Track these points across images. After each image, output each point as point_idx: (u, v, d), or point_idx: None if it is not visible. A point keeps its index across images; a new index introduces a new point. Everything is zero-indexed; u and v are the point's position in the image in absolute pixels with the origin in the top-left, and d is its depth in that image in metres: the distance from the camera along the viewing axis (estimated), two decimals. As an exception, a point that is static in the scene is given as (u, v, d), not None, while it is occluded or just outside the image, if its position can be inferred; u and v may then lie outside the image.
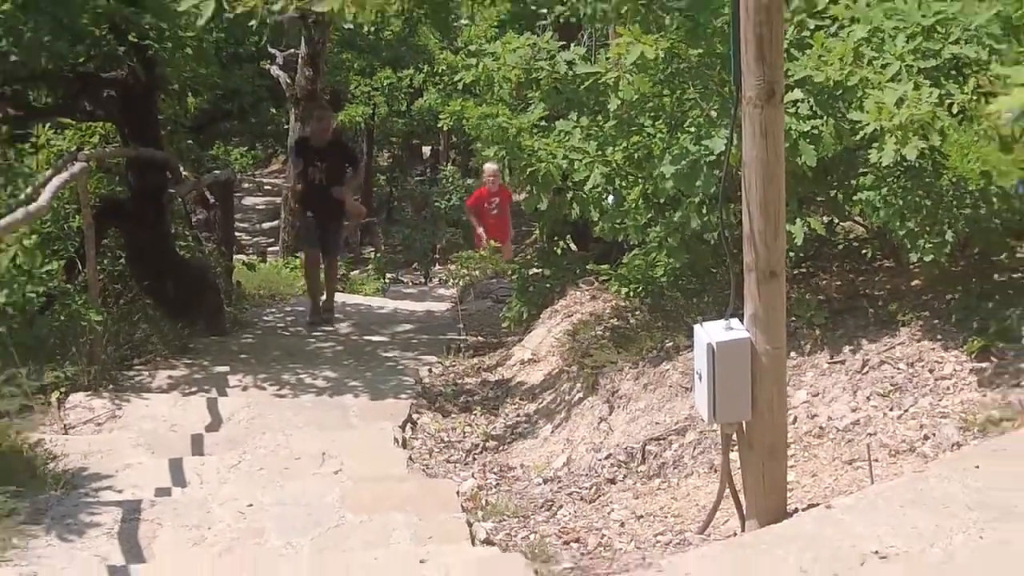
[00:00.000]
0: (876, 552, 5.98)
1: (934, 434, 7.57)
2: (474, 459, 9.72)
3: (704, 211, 8.98)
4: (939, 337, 8.34)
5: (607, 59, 9.43)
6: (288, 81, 20.74)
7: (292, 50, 20.49)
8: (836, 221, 9.24)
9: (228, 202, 18.84)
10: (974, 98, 7.24)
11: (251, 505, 8.38)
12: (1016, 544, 5.83)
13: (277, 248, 22.36)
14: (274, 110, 21.38)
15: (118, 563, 7.54)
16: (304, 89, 20.09)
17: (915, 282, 8.92)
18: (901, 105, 7.56)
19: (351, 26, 9.68)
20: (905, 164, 7.62)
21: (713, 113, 8.71)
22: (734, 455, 7.06)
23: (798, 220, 8.22)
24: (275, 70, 20.44)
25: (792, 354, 7.60)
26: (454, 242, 21.57)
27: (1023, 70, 4.51)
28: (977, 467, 6.79)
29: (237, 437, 10.11)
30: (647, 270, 9.94)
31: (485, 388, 11.92)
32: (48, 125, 12.68)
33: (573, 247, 13.51)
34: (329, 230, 14.68)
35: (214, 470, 9.20)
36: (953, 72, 7.91)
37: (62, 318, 11.53)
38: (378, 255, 23.63)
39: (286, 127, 20.96)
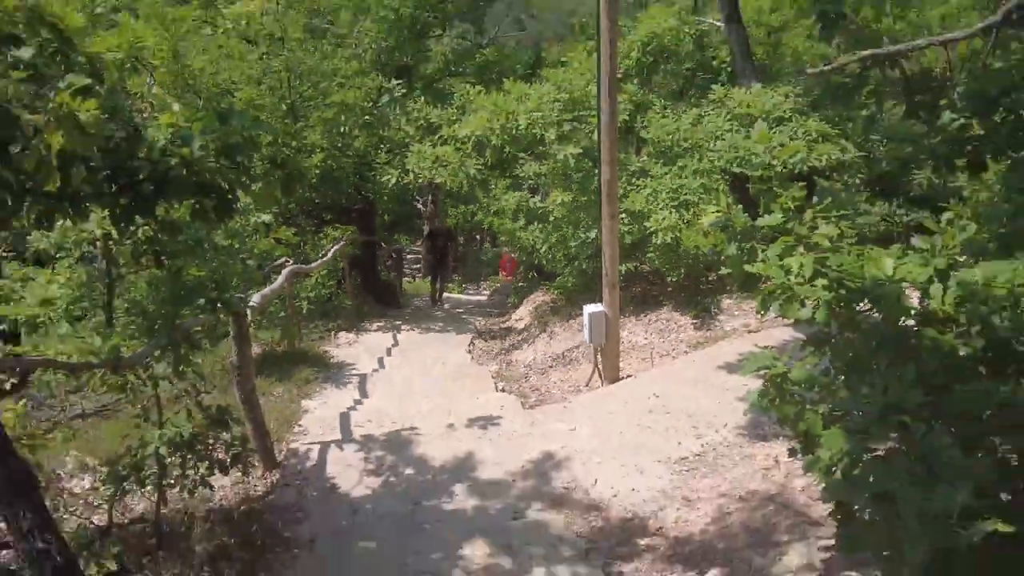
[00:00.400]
0: (655, 394, 6.72)
1: (676, 348, 7.98)
2: (496, 358, 9.97)
3: (588, 261, 9.02)
4: (679, 311, 8.86)
5: (551, 200, 9.25)
6: (423, 208, 20.68)
7: (428, 196, 20.40)
8: (637, 264, 9.36)
9: (400, 256, 19.11)
10: (693, 216, 7.39)
11: (410, 377, 8.81)
12: (700, 388, 6.42)
13: (419, 274, 22.24)
14: (417, 220, 21.37)
15: (358, 398, 7.95)
16: (430, 212, 20.05)
17: (670, 289, 9.32)
18: (663, 220, 8.06)
19: (450, 188, 9.46)
20: (665, 244, 7.62)
21: (591, 222, 9.04)
22: (600, 357, 7.50)
23: (623, 264, 8.54)
24: (419, 205, 20.38)
25: (621, 318, 7.99)
26: (490, 274, 21.51)
27: (711, 207, 4.38)
28: (694, 361, 7.46)
29: (404, 349, 10.49)
30: (565, 284, 10.39)
31: (501, 330, 12.08)
32: (330, 227, 12.56)
33: (536, 275, 13.38)
34: (442, 267, 14.53)
35: (394, 363, 9.62)
36: (685, 206, 8.27)
37: (335, 304, 11.50)
38: (459, 278, 23.50)
39: (422, 227, 20.95)
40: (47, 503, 3.50)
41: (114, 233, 4.47)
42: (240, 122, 3.14)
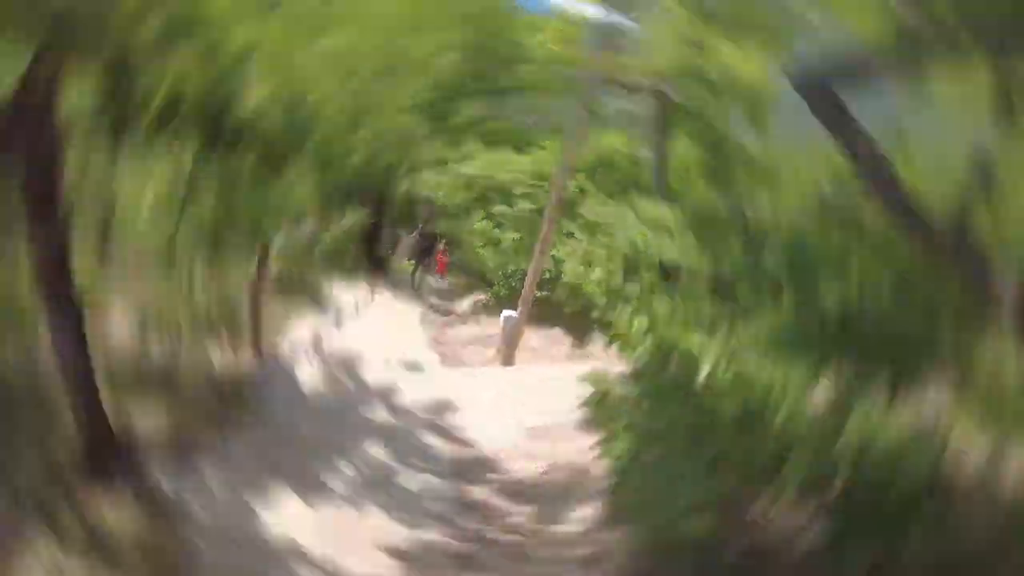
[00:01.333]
0: (530, 380, 6.47)
1: (556, 356, 7.87)
2: (437, 328, 9.37)
3: (517, 281, 8.79)
4: (566, 332, 8.43)
5: (507, 236, 9.06)
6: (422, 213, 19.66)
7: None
8: (549, 293, 8.69)
9: (397, 244, 16.79)
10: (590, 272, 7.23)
11: (373, 323, 8.27)
12: (561, 385, 5.83)
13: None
14: (415, 220, 20.08)
15: (334, 328, 7.45)
16: (425, 217, 19.11)
17: (565, 316, 8.62)
18: (571, 270, 7.90)
19: (443, 204, 9.33)
20: (570, 285, 7.87)
21: (528, 257, 8.45)
22: (504, 346, 7.41)
23: (539, 291, 8.05)
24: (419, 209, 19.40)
25: (526, 326, 7.69)
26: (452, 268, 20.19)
27: (599, 269, 4.46)
28: (563, 367, 7.04)
29: (378, 304, 9.60)
30: (498, 292, 9.65)
31: (446, 310, 11.18)
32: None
33: (482, 280, 13.03)
34: (424, 259, 13.41)
35: (367, 311, 8.86)
36: (589, 264, 7.83)
37: (342, 262, 10.79)
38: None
39: (418, 224, 19.60)
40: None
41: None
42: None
